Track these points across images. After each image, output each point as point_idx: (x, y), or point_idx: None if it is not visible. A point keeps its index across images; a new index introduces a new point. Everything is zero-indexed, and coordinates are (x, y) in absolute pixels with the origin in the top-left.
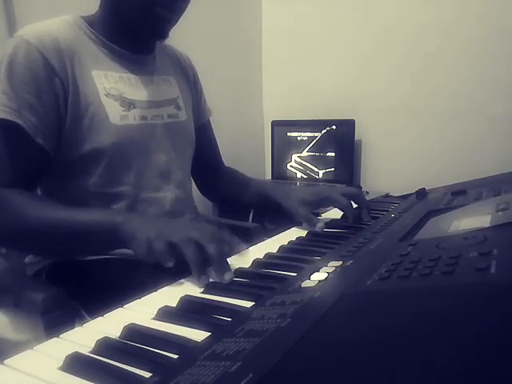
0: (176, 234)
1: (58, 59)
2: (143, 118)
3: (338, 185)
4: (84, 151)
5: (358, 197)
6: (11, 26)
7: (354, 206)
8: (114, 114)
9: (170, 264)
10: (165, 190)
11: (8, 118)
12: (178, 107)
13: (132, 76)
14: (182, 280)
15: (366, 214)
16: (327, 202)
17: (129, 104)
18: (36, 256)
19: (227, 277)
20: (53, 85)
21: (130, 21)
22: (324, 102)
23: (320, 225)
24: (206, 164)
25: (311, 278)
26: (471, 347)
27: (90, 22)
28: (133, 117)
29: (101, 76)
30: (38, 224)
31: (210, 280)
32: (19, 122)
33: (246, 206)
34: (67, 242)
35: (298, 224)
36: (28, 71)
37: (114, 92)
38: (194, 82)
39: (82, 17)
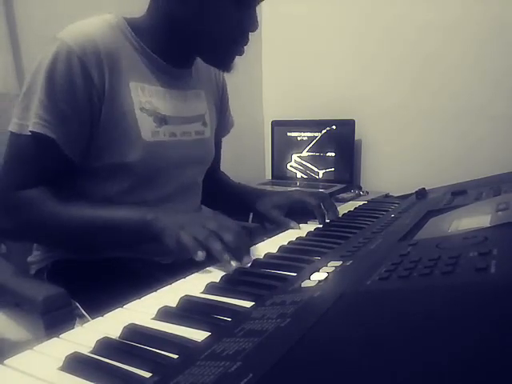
0: (199, 229)
1: (97, 67)
2: (173, 134)
3: (308, 189)
4: (112, 161)
5: (326, 199)
6: (11, 26)
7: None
8: (146, 129)
9: (201, 256)
10: (181, 202)
11: (45, 133)
12: (204, 124)
13: (167, 90)
14: (182, 280)
15: (332, 216)
16: (298, 205)
17: (161, 120)
18: (46, 252)
19: (246, 260)
20: (90, 94)
21: (197, 48)
22: (324, 102)
23: (292, 225)
24: (209, 171)
25: (311, 278)
26: (471, 347)
27: (134, 26)
28: (163, 133)
29: (137, 88)
30: (71, 221)
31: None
32: (54, 137)
33: (226, 210)
34: (99, 238)
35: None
36: (67, 82)
37: (148, 106)
38: (222, 94)
39: (125, 18)
